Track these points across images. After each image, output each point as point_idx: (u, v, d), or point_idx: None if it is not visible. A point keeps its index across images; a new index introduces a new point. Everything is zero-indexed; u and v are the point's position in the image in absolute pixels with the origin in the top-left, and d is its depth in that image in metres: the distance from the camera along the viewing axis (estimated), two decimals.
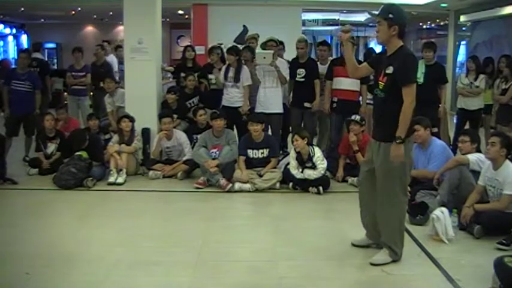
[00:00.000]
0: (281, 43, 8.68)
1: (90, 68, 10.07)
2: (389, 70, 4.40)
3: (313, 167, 6.95)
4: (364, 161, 4.89)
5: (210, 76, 8.54)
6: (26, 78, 8.57)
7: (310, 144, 7.10)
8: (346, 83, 7.87)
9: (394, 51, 4.43)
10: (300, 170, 6.99)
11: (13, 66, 11.39)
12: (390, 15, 4.37)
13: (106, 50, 10.81)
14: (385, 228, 4.65)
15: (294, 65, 8.24)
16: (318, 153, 7.02)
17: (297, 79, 8.15)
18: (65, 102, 9.74)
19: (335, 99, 8.04)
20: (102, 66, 10.14)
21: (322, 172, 6.97)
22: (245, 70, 7.97)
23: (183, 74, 8.66)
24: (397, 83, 4.33)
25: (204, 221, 5.83)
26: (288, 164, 7.17)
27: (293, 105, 8.32)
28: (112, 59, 10.96)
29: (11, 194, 6.92)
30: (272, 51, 7.79)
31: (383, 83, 4.46)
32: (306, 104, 8.11)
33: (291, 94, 8.42)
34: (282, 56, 8.63)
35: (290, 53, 8.88)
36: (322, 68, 8.34)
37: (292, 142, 7.10)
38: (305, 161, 6.99)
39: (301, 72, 8.10)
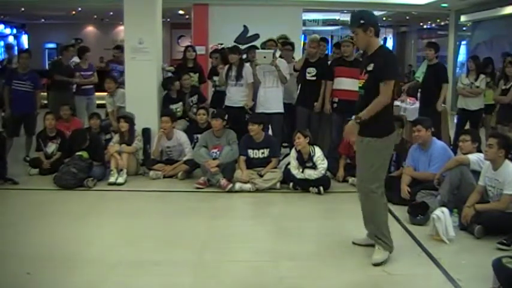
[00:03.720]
0: (290, 44, 8.70)
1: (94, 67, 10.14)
2: (370, 67, 4.51)
3: (314, 166, 6.95)
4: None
5: (215, 78, 8.59)
6: (27, 78, 8.57)
7: (311, 143, 7.10)
8: (348, 83, 7.86)
9: (374, 51, 4.54)
10: (301, 170, 6.99)
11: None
12: (362, 21, 4.49)
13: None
14: (370, 222, 4.76)
15: (303, 63, 8.21)
16: (318, 153, 7.02)
17: (307, 78, 8.11)
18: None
19: (336, 99, 8.04)
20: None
21: (323, 172, 6.97)
22: (247, 68, 7.98)
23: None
24: (376, 80, 4.43)
25: (204, 221, 5.83)
26: (289, 164, 7.17)
27: (300, 104, 8.25)
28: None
29: (11, 194, 6.92)
30: (272, 51, 7.80)
31: (363, 81, 4.58)
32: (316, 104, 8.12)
33: (298, 92, 8.36)
34: (289, 56, 8.62)
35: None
36: None
37: (294, 140, 7.09)
38: (306, 161, 6.99)
39: (312, 71, 8.07)
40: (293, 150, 7.16)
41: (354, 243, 5.04)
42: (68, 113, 8.66)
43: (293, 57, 8.81)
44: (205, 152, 7.28)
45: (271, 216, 6.14)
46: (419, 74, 8.75)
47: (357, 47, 4.69)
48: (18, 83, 8.53)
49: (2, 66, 10.78)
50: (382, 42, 4.62)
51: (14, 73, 8.77)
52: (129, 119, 7.83)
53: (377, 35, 4.54)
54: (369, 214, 4.77)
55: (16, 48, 21.83)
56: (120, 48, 10.76)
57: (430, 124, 6.54)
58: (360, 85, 4.63)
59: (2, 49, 16.78)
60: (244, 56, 8.47)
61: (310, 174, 6.93)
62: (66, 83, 9.60)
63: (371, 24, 4.48)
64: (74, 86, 9.77)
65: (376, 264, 4.58)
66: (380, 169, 4.58)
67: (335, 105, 8.07)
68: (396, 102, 9.77)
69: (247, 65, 8.08)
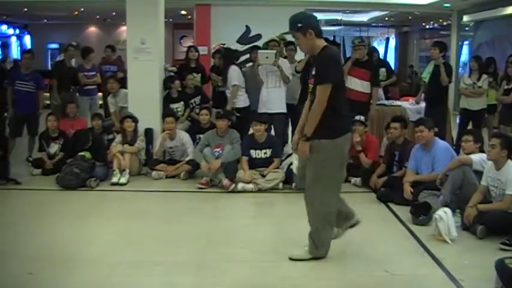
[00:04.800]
0: (292, 43, 8.70)
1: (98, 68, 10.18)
2: (314, 71, 4.49)
3: None
4: (301, 159, 4.79)
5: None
6: (30, 79, 8.60)
7: None
8: (356, 84, 7.89)
9: (318, 53, 4.46)
10: None
11: None
12: (299, 25, 4.41)
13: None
14: (312, 226, 4.63)
15: (307, 64, 8.20)
16: None
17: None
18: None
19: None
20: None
21: None
22: (232, 70, 8.03)
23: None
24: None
25: (206, 221, 5.84)
26: (291, 164, 7.15)
27: (302, 104, 8.18)
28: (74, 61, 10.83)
29: (14, 194, 6.93)
30: (274, 51, 7.80)
31: (312, 85, 4.53)
32: None
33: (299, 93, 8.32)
34: (293, 56, 8.63)
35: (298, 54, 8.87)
36: None
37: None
38: None
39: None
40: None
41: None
42: (74, 111, 8.70)
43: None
44: (209, 151, 7.28)
45: (273, 217, 6.14)
46: (426, 75, 8.73)
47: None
48: (21, 84, 8.54)
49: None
50: (325, 43, 4.49)
51: (17, 73, 8.79)
52: (135, 119, 7.84)
53: (319, 35, 4.43)
54: (314, 215, 4.62)
55: (17, 47, 21.92)
56: (111, 47, 10.79)
57: (433, 124, 6.53)
58: (310, 90, 4.55)
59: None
60: (247, 56, 8.49)
61: None
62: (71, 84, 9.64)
63: (310, 26, 4.38)
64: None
65: (291, 259, 4.62)
66: (325, 169, 4.48)
67: None
68: (398, 102, 9.78)
69: (233, 67, 8.11)
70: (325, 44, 4.46)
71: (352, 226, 4.86)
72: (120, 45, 13.01)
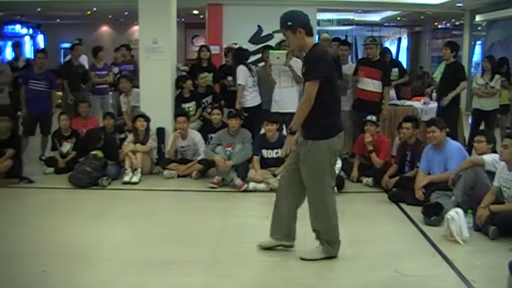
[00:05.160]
0: None
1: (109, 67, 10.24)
2: (304, 70, 4.49)
3: None
4: (291, 156, 4.80)
5: (229, 78, 8.65)
6: (43, 78, 8.66)
7: None
8: (367, 84, 7.91)
9: (308, 52, 4.49)
10: None
11: None
12: (289, 23, 4.44)
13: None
14: (320, 226, 4.65)
15: None
16: None
17: None
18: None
19: (355, 97, 8.11)
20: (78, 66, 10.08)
21: (336, 172, 6.92)
22: (239, 69, 8.07)
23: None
24: None
25: (218, 220, 5.85)
26: None
27: None
28: (84, 59, 10.90)
29: (27, 193, 6.99)
30: (286, 52, 7.79)
31: (303, 84, 4.55)
32: None
33: None
34: (303, 56, 8.61)
35: None
36: (344, 68, 8.40)
37: None
38: None
39: None
40: None
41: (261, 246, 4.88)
42: (87, 110, 8.75)
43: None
44: (221, 149, 7.30)
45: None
46: (437, 75, 8.71)
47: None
48: (34, 83, 8.61)
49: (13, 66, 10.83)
50: (314, 41, 4.50)
51: (30, 73, 8.85)
52: (147, 118, 7.87)
53: (309, 34, 4.45)
54: (317, 214, 4.67)
55: (31, 47, 22.05)
56: (126, 46, 10.86)
57: (445, 125, 6.51)
58: (302, 88, 4.57)
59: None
60: (258, 56, 8.50)
61: None
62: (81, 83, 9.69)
63: (299, 25, 4.41)
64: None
65: (303, 259, 4.61)
66: (322, 170, 4.50)
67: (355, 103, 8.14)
68: (408, 102, 9.75)
69: (241, 66, 8.13)
70: (315, 42, 4.50)
71: (284, 246, 4.82)
72: (132, 44, 13.03)
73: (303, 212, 4.79)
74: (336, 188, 6.76)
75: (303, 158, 4.51)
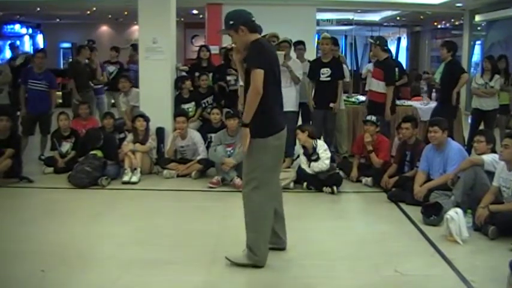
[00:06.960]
0: (301, 43, 8.69)
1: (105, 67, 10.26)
2: (246, 61, 4.44)
3: (318, 158, 6.94)
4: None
5: (229, 78, 8.60)
6: (42, 78, 8.65)
7: (313, 137, 7.08)
8: (374, 84, 7.93)
9: (249, 44, 4.44)
10: (308, 164, 7.01)
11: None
12: (231, 22, 4.43)
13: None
14: (247, 230, 4.54)
15: (316, 64, 8.21)
16: (320, 143, 7.10)
17: (321, 79, 8.06)
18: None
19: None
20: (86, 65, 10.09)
21: (327, 162, 6.92)
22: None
23: (197, 74, 8.70)
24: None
25: (217, 220, 5.85)
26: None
27: (316, 107, 8.16)
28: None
29: (26, 192, 6.98)
30: (283, 52, 7.79)
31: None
32: (331, 105, 8.04)
33: (313, 94, 8.26)
34: (302, 56, 8.62)
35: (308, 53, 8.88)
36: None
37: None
38: (311, 154, 7.00)
39: (326, 71, 8.03)
40: (300, 146, 7.21)
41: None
42: (87, 112, 8.76)
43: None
44: (222, 148, 7.31)
45: (285, 216, 6.13)
46: (437, 75, 8.71)
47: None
48: (34, 83, 8.60)
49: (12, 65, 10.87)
50: (258, 36, 4.48)
51: (30, 72, 8.85)
52: (147, 118, 7.87)
53: (253, 31, 4.43)
54: (246, 217, 4.53)
55: (30, 47, 22.04)
56: (133, 46, 10.89)
57: (447, 126, 6.50)
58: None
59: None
60: None
61: (316, 166, 6.93)
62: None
63: (241, 23, 4.39)
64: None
65: (228, 258, 4.49)
66: (257, 170, 4.41)
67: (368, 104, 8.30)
68: (409, 102, 9.75)
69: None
70: (258, 37, 4.46)
71: (276, 248, 4.75)
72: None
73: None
74: (335, 188, 6.86)
75: (246, 154, 4.45)
